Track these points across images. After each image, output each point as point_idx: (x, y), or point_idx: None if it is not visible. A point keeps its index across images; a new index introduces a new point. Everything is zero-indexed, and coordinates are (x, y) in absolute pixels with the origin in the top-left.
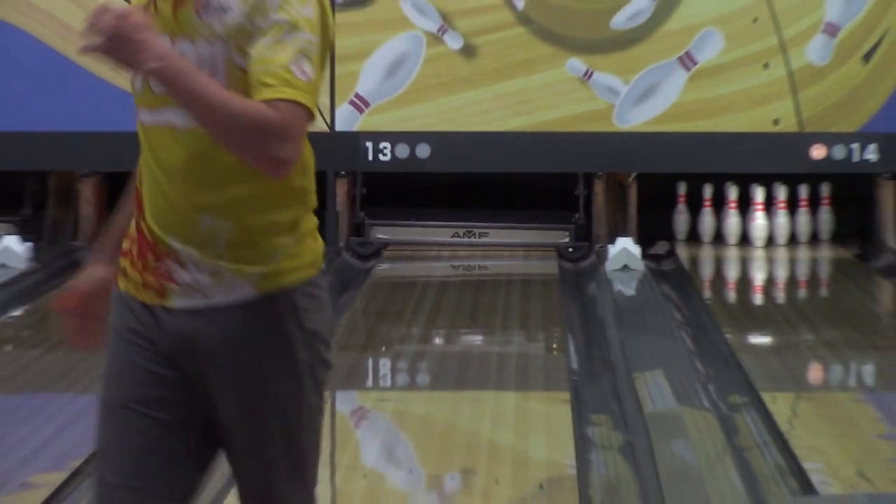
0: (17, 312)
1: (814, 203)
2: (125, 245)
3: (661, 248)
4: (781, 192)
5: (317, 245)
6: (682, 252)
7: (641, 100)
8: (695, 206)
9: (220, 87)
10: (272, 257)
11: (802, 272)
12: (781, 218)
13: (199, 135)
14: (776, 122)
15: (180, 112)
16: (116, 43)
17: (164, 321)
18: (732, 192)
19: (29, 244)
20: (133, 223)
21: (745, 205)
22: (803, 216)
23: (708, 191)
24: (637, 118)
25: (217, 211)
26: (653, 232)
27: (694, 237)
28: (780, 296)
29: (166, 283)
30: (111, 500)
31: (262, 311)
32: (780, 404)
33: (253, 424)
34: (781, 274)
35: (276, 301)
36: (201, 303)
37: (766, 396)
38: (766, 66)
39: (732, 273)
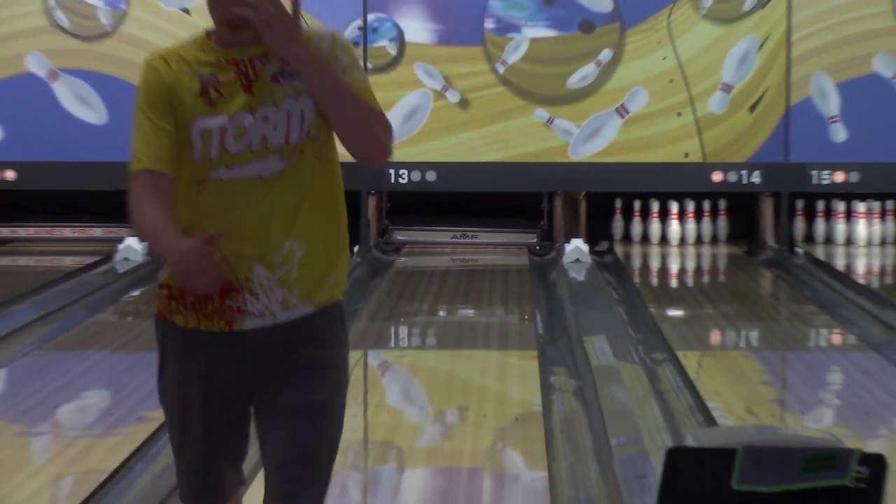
0: (136, 293)
1: (714, 213)
2: (169, 286)
3: (603, 246)
4: (690, 206)
5: (345, 278)
6: (618, 249)
7: (589, 139)
8: (627, 215)
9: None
10: (328, 289)
11: (705, 263)
12: (690, 224)
13: (278, 179)
14: (686, 154)
15: (265, 163)
16: (277, 26)
17: (236, 342)
18: (655, 206)
19: (144, 243)
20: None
21: (664, 215)
22: (706, 223)
23: (637, 205)
24: (586, 152)
25: (296, 236)
26: (597, 234)
27: (627, 238)
28: (689, 280)
29: (236, 315)
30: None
31: (321, 318)
32: (689, 360)
33: (320, 398)
34: (690, 265)
35: (329, 312)
36: (269, 322)
37: (680, 354)
38: (679, 114)
39: (655, 264)
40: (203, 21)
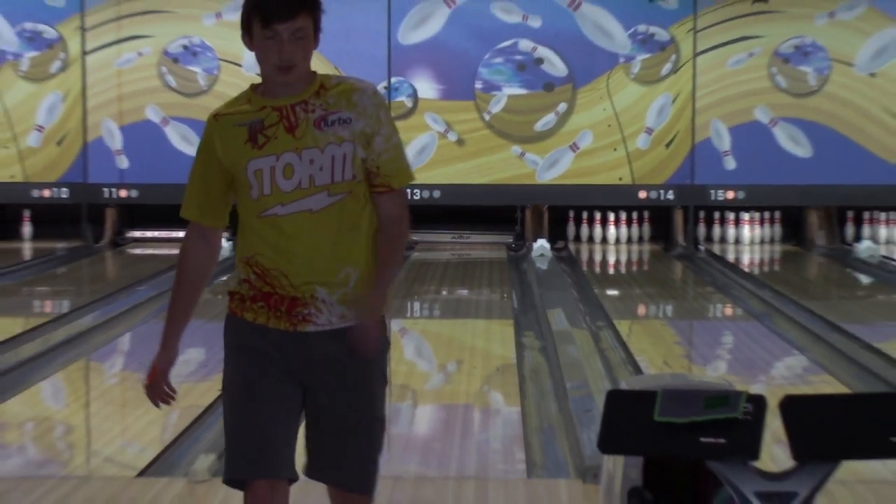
0: (224, 277)
1: (640, 221)
2: (240, 293)
3: (560, 244)
4: (623, 215)
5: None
6: (572, 247)
7: (550, 167)
8: (578, 222)
9: (386, 262)
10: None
11: (634, 257)
12: (623, 228)
13: (328, 213)
14: (620, 178)
15: (314, 199)
16: (374, 347)
17: (299, 340)
18: (598, 215)
19: (229, 242)
20: (252, 289)
21: (605, 222)
22: (635, 227)
23: (585, 215)
24: (548, 177)
25: (350, 261)
26: (556, 236)
27: (578, 239)
28: (623, 269)
29: (301, 321)
30: (253, 447)
31: (370, 329)
32: (623, 326)
33: (358, 399)
34: (623, 258)
35: (376, 323)
36: (329, 328)
37: (616, 322)
38: (615, 149)
39: (598, 257)
40: None
